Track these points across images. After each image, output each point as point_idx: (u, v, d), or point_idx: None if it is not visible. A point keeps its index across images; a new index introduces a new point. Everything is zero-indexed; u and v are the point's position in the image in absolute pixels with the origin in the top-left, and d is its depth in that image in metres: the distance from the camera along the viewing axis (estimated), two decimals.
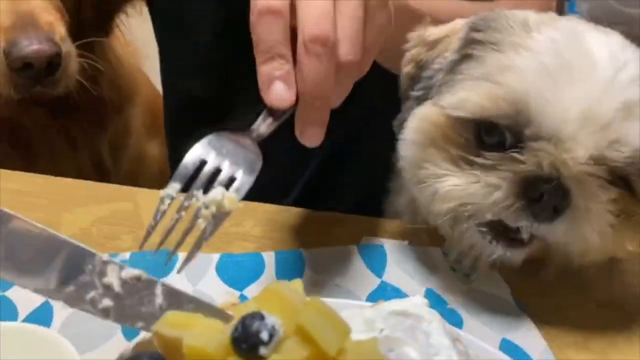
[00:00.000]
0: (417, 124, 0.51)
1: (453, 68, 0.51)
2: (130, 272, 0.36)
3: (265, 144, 0.44)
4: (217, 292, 0.49)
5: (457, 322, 0.47)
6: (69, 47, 0.75)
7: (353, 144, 0.46)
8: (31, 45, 0.70)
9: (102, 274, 0.36)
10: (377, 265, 0.53)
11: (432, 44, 0.55)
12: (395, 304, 0.33)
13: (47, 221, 0.58)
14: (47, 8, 0.74)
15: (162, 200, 0.41)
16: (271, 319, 0.27)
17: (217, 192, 0.40)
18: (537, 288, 0.52)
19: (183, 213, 0.41)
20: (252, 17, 0.42)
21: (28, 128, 0.86)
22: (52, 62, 0.72)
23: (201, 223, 0.39)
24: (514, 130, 0.46)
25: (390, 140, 0.56)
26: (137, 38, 1.01)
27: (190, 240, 0.41)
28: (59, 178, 0.68)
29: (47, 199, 0.62)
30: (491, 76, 0.47)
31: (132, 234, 0.58)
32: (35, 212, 0.60)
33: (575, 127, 0.43)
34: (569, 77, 0.45)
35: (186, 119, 0.88)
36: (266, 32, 0.41)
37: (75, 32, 0.79)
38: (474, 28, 0.51)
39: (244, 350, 0.27)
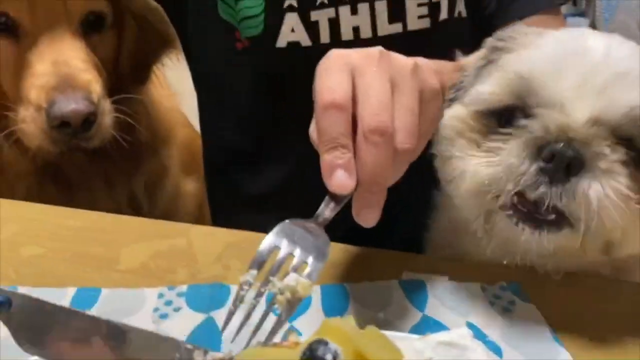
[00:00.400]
0: (447, 122, 0.57)
1: (478, 73, 0.57)
2: (214, 354, 0.40)
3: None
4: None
5: (497, 353, 0.50)
6: (104, 105, 0.79)
7: (401, 185, 0.49)
8: (69, 105, 0.75)
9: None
10: (418, 299, 0.56)
11: (465, 67, 0.60)
12: (442, 335, 0.36)
13: (108, 256, 0.63)
14: (86, 68, 0.79)
15: (241, 287, 0.44)
16: (333, 345, 0.30)
17: (291, 278, 0.43)
18: (574, 321, 0.54)
19: (260, 299, 0.44)
20: (317, 110, 0.46)
21: (68, 171, 0.92)
22: (88, 120, 0.77)
23: (276, 308, 0.43)
24: (522, 107, 0.51)
25: (431, 178, 0.59)
26: (173, 76, 1.07)
27: None
28: (117, 215, 0.72)
29: (107, 235, 0.67)
30: (502, 68, 0.54)
31: (187, 268, 0.61)
32: (96, 247, 0.65)
33: (573, 94, 0.48)
34: (568, 59, 0.50)
35: (225, 163, 0.93)
36: (329, 124, 0.45)
37: (113, 85, 0.85)
38: (498, 38, 0.58)
39: None
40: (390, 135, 0.45)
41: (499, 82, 0.53)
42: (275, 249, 0.46)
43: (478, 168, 0.52)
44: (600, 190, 0.46)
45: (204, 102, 0.93)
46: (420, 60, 0.52)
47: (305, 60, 0.62)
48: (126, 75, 0.89)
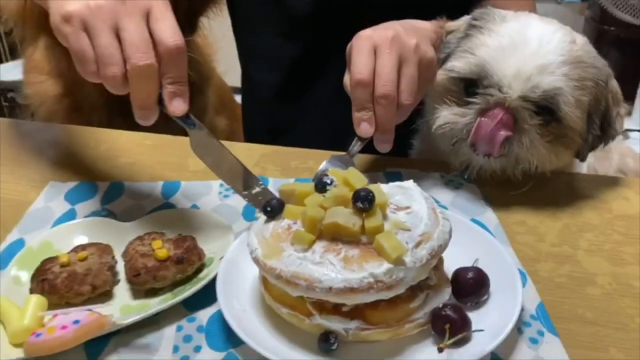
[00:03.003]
0: (436, 83, 0.81)
1: (458, 43, 0.81)
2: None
3: None
4: None
5: (445, 208, 0.76)
6: None
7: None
8: None
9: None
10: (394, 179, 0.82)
11: (450, 32, 0.84)
12: (397, 183, 0.62)
13: (179, 162, 0.89)
14: None
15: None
16: (332, 177, 0.56)
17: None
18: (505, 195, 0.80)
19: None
20: (351, 82, 0.72)
21: None
22: None
23: None
24: (480, 83, 0.75)
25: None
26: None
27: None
28: (179, 137, 0.98)
29: (176, 150, 0.93)
30: (471, 49, 0.77)
31: None
32: (170, 157, 0.91)
33: (510, 80, 0.72)
34: (510, 50, 0.74)
35: (258, 99, 1.18)
36: (359, 94, 0.72)
37: None
38: (474, 17, 0.81)
39: (319, 189, 0.56)
40: (393, 98, 0.71)
41: (465, 60, 0.76)
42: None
43: (447, 115, 0.78)
44: (521, 138, 0.74)
45: (241, 47, 1.17)
46: (422, 27, 0.77)
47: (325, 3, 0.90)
48: (180, 24, 1.13)
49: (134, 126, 1.16)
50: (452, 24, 0.84)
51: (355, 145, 0.75)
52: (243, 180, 0.69)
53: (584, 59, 0.74)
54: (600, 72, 0.75)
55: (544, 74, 0.72)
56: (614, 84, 0.77)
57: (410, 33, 0.75)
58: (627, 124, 2.53)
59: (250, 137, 1.23)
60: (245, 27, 1.14)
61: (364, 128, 0.72)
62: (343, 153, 0.76)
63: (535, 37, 0.74)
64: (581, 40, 0.77)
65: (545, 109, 0.73)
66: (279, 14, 1.05)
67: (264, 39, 1.10)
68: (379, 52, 0.72)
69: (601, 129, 0.77)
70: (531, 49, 0.73)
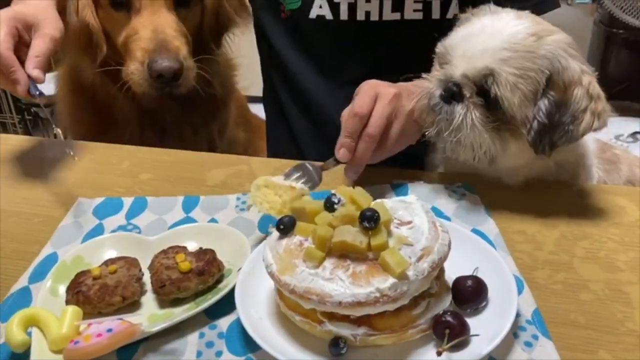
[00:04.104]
0: None
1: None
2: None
3: None
4: None
5: (448, 220, 0.81)
6: (189, 63, 1.09)
7: None
8: (164, 63, 1.05)
9: None
10: (401, 194, 0.87)
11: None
12: (400, 198, 0.67)
13: (197, 177, 0.95)
14: (177, 36, 1.09)
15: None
16: (339, 196, 0.62)
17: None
18: (502, 197, 0.85)
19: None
20: (349, 113, 0.83)
21: (164, 117, 1.24)
22: (177, 73, 1.07)
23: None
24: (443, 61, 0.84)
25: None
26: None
27: None
28: (196, 152, 1.04)
29: (194, 165, 0.99)
30: (449, 37, 0.85)
31: (251, 183, 0.93)
32: (188, 172, 0.97)
33: (458, 59, 0.80)
34: (466, 37, 0.81)
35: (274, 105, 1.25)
36: (351, 124, 0.82)
37: (196, 48, 1.14)
38: (473, 11, 0.87)
39: (328, 207, 0.61)
40: (375, 139, 0.82)
41: (444, 44, 0.84)
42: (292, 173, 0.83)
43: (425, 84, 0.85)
44: (464, 110, 0.79)
45: (263, 60, 1.25)
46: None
47: (327, 29, 1.04)
48: (206, 41, 1.19)
49: (164, 137, 1.24)
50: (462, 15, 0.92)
51: (331, 163, 0.85)
52: None
53: (536, 50, 0.77)
54: (552, 66, 0.77)
55: (483, 57, 0.78)
56: (587, 80, 0.78)
57: (409, 97, 0.86)
58: (636, 126, 2.55)
59: (274, 145, 1.31)
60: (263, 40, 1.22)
61: (343, 153, 0.83)
62: (319, 163, 0.86)
63: (493, 27, 0.80)
64: (556, 37, 0.79)
65: (484, 90, 0.79)
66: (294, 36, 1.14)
67: (282, 55, 1.18)
68: (379, 101, 0.84)
69: (560, 123, 0.78)
70: (483, 36, 0.80)
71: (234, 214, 0.85)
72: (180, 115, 1.23)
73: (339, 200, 0.62)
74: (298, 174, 0.83)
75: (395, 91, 0.85)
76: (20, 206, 0.89)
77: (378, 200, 0.64)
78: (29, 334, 0.61)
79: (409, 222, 0.62)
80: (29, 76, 0.85)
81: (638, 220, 0.82)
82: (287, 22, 1.13)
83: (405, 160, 0.92)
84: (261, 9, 1.18)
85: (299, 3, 1.10)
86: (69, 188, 0.93)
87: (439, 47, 0.84)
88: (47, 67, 0.89)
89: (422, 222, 0.63)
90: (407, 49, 1.01)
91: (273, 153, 1.28)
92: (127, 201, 0.88)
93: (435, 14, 1.08)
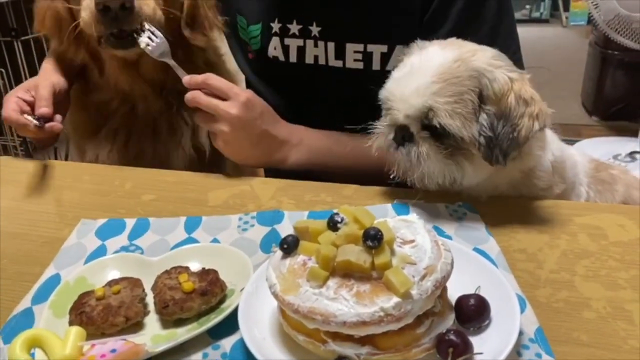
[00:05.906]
0: None
1: None
2: None
3: None
4: None
5: (449, 238, 0.81)
6: None
7: None
8: None
9: None
10: (403, 214, 0.88)
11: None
12: (402, 217, 0.67)
13: (199, 198, 0.96)
14: None
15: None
16: (342, 215, 0.62)
17: None
18: (503, 217, 0.85)
19: None
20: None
21: (155, 118, 1.22)
22: (124, 5, 1.02)
23: None
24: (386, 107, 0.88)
25: None
26: None
27: None
28: (199, 173, 1.05)
29: (196, 186, 1.00)
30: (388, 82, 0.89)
31: (253, 203, 0.94)
32: (190, 193, 0.98)
33: (398, 103, 0.84)
34: (402, 79, 0.85)
35: None
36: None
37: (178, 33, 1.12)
38: (404, 51, 0.92)
39: (331, 226, 0.62)
40: (185, 82, 1.00)
41: (386, 89, 0.88)
42: None
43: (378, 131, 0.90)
44: (416, 147, 0.84)
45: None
46: None
47: (282, 69, 1.15)
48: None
49: (156, 137, 1.23)
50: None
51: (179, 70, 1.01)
52: None
53: (462, 74, 0.81)
54: (480, 83, 0.81)
55: (418, 96, 0.82)
56: (518, 87, 0.81)
57: (244, 129, 0.98)
58: (634, 146, 2.57)
59: None
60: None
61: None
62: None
63: (420, 64, 0.84)
64: (479, 55, 0.83)
65: (429, 124, 0.82)
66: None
67: (257, 90, 1.21)
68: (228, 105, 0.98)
69: (504, 132, 0.81)
70: (414, 75, 0.84)
71: (236, 234, 0.85)
72: (168, 111, 1.23)
73: (342, 220, 0.62)
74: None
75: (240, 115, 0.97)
76: (23, 228, 0.90)
77: (380, 220, 0.65)
78: (32, 355, 0.61)
79: (412, 241, 0.62)
80: (38, 118, 1.02)
81: (638, 239, 0.83)
82: (253, 61, 1.24)
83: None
84: (236, 49, 1.29)
85: (259, 44, 1.19)
86: (71, 209, 0.93)
87: (381, 94, 0.88)
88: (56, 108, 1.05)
89: (425, 240, 0.63)
90: (354, 94, 1.02)
91: None
92: (130, 222, 0.88)
93: (376, 65, 1.11)
